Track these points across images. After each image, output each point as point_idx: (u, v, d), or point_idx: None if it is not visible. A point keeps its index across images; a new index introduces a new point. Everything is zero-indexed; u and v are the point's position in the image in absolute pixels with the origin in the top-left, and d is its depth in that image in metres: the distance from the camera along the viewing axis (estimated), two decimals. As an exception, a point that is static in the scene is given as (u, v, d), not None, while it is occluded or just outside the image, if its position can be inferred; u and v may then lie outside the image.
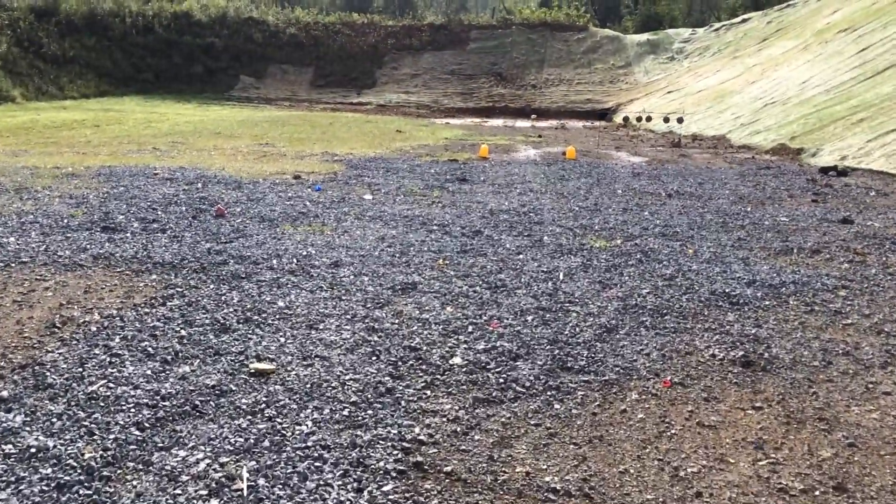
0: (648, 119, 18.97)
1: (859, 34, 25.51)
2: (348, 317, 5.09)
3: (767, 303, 5.67)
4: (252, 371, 4.09)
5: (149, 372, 4.04)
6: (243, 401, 3.75)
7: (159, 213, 8.24)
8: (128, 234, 7.18)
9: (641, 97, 33.97)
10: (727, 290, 5.89)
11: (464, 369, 4.27)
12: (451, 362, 4.36)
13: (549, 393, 4.01)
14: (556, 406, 3.87)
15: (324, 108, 34.11)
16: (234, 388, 3.88)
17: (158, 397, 3.74)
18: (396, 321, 5.04)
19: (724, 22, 40.74)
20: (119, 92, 34.83)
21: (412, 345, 4.60)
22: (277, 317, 5.02)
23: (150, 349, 4.35)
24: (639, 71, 37.86)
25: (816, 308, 5.57)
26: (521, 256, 6.88)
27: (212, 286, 5.63)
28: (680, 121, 17.97)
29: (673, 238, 7.82)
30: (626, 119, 20.15)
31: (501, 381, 4.13)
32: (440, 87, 37.46)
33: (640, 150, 18.43)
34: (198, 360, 4.23)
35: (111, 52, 37.20)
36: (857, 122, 17.18)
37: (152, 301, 5.23)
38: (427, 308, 5.33)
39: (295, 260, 6.44)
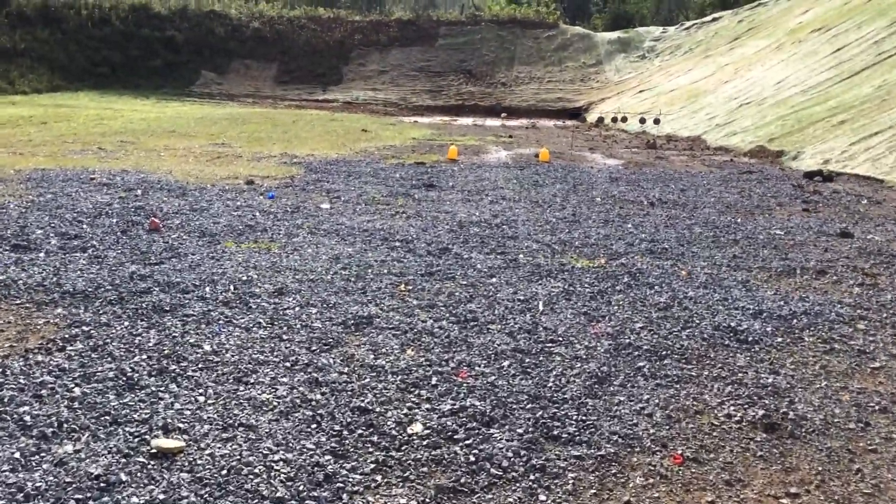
0: (624, 119, 18.26)
1: (833, 34, 25.11)
2: (287, 364, 4.21)
3: (780, 340, 4.89)
4: (154, 451, 3.20)
5: (17, 454, 3.12)
6: (133, 500, 2.86)
7: (84, 226, 7.25)
8: (41, 254, 6.20)
9: (613, 96, 33.39)
10: (732, 324, 5.10)
11: (425, 442, 3.42)
12: (409, 430, 3.51)
13: (532, 476, 3.17)
14: (542, 497, 3.04)
15: (288, 104, 33.02)
16: (124, 479, 2.98)
17: (21, 496, 2.84)
18: (345, 370, 4.17)
19: (695, 21, 40.33)
20: (73, 87, 33.38)
21: (363, 405, 3.74)
22: (200, 366, 4.12)
23: (28, 417, 3.43)
24: (610, 69, 37.29)
25: (836, 346, 4.81)
26: (493, 280, 6.05)
27: (126, 323, 4.71)
28: (656, 122, 17.30)
29: (662, 256, 7.04)
30: (600, 119, 19.43)
31: (472, 458, 3.29)
32: (408, 85, 36.56)
33: (615, 151, 17.73)
34: (87, 434, 3.32)
35: (66, 45, 35.68)
36: (838, 124, 16.64)
37: (49, 345, 4.30)
38: (384, 351, 4.47)
39: (232, 287, 5.53)
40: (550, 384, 4.06)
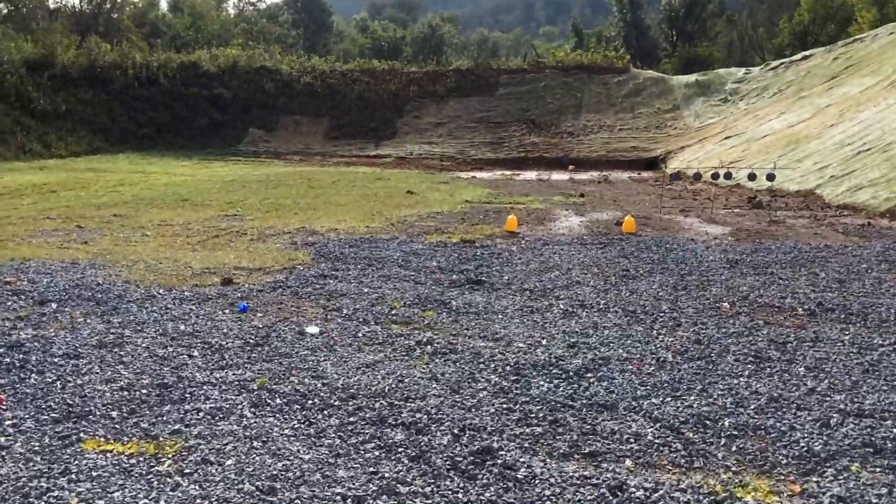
0: (728, 176, 14.80)
1: (963, 66, 21.26)
2: None
3: None
4: None
5: None
6: None
7: None
8: None
9: (694, 143, 29.88)
10: None
11: None
12: None
13: None
14: None
15: (337, 161, 30.58)
16: None
17: None
18: None
19: (783, 60, 36.61)
20: (115, 149, 31.63)
21: None
22: None
23: None
24: (688, 114, 33.79)
25: None
26: (582, 566, 2.82)
27: None
28: (770, 178, 13.84)
29: (902, 463, 3.69)
30: (697, 175, 15.94)
31: None
32: (466, 137, 33.77)
33: (714, 213, 14.30)
34: None
35: (110, 106, 34.20)
36: None
37: None
38: None
39: None
40: None
